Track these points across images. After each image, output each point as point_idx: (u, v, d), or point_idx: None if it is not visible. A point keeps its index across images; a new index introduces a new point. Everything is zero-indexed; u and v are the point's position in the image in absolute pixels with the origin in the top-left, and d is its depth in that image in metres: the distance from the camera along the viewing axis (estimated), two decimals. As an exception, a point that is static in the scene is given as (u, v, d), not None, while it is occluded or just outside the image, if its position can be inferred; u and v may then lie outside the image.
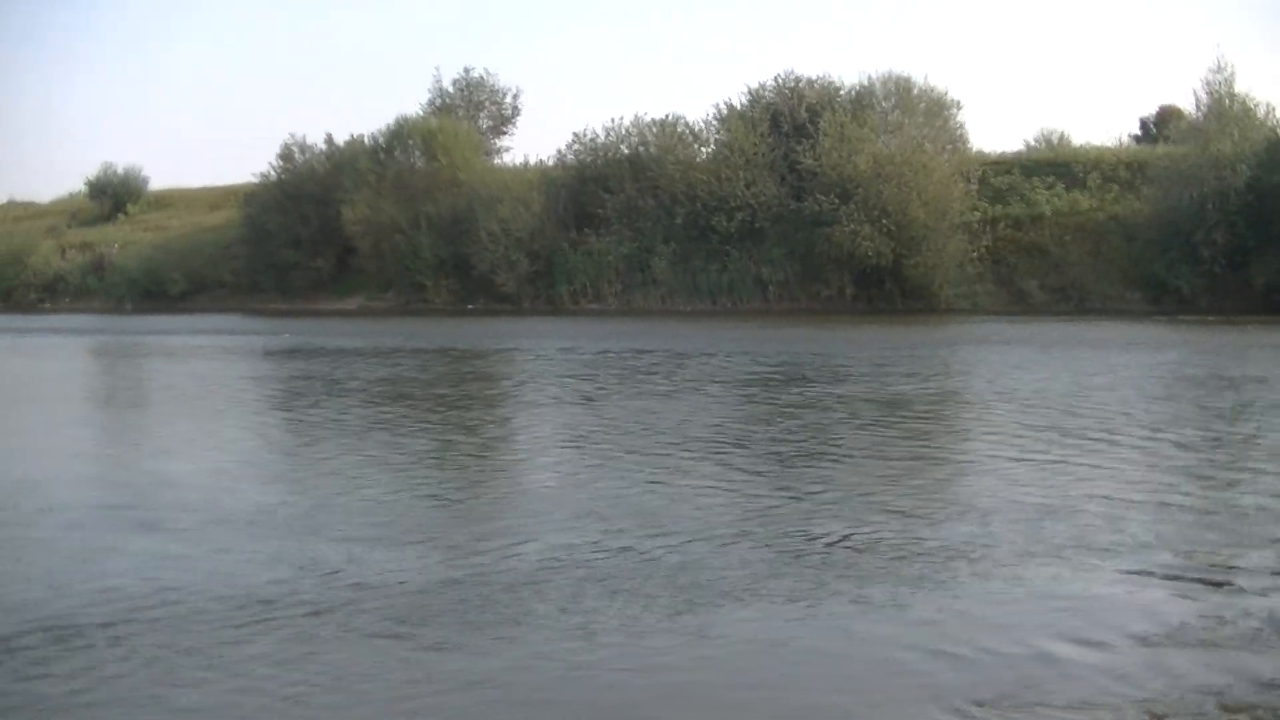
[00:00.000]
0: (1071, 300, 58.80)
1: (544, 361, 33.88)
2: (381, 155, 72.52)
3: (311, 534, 12.03)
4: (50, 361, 37.81)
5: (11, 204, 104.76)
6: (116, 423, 23.36)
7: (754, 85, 68.20)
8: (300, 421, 21.65)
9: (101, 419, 24.10)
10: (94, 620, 9.22)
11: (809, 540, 11.59)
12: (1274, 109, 60.68)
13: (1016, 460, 16.03)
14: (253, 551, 11.38)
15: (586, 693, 8.01)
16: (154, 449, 18.88)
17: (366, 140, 74.43)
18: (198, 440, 19.18)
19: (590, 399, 24.73)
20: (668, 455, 17.03)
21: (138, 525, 12.62)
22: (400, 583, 10.26)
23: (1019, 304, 58.94)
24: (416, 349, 38.61)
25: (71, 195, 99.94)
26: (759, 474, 15.62)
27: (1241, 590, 9.87)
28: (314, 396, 25.47)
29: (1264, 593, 9.79)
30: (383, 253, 69.34)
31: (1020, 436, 18.29)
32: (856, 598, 9.75)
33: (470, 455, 17.97)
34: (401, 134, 72.95)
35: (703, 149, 67.23)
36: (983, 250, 60.77)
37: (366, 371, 30.76)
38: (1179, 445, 17.59)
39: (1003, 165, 66.31)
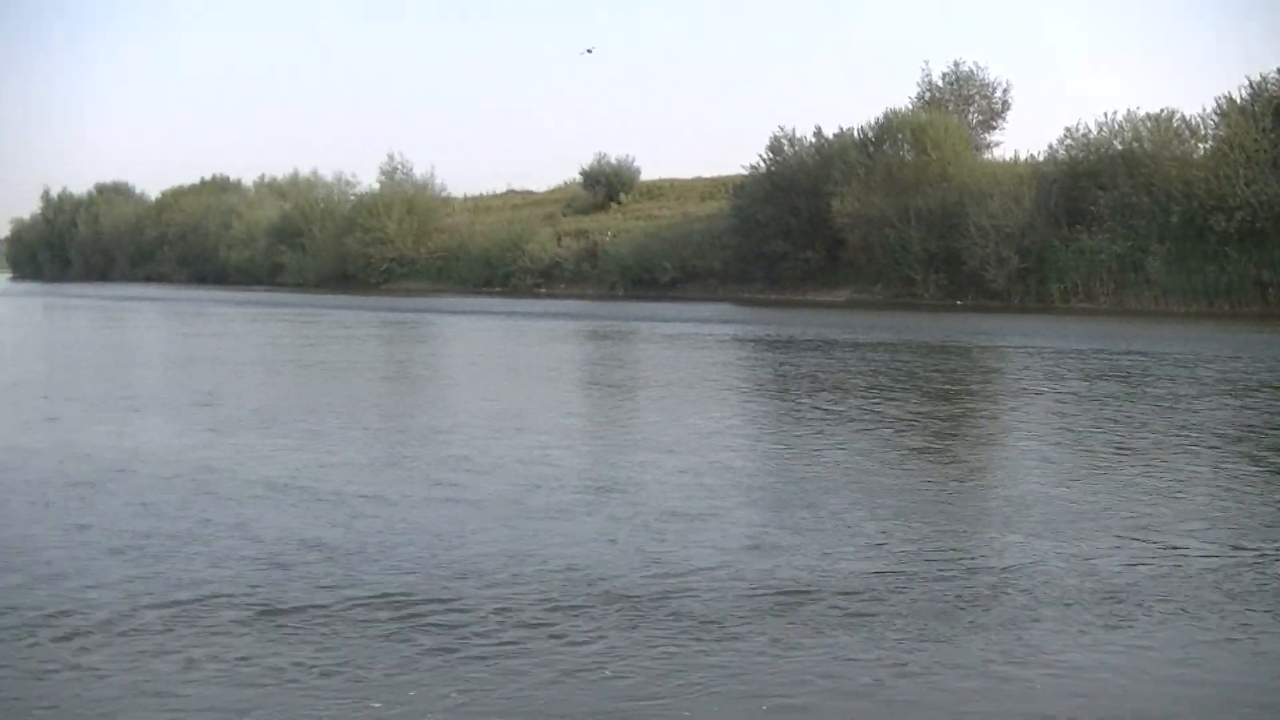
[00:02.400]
0: None
1: (1037, 359, 34.07)
2: (870, 148, 73.35)
3: (835, 518, 13.06)
4: (553, 346, 40.26)
5: (511, 192, 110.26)
6: (612, 405, 25.14)
7: (1255, 78, 66.60)
8: (794, 411, 22.80)
9: (596, 401, 25.93)
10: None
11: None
12: None
13: None
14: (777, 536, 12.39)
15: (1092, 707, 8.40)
16: (655, 433, 20.31)
17: (855, 133, 75.47)
18: (694, 425, 20.64)
19: (1085, 399, 24.89)
20: (1167, 460, 17.22)
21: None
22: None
23: None
24: (905, 342, 39.42)
25: (566, 184, 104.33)
26: (1238, 490, 15.38)
27: None
28: (805, 387, 26.63)
29: None
30: (872, 245, 70.13)
31: None
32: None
33: (965, 450, 18.70)
34: (890, 127, 73.65)
35: (1200, 145, 65.81)
36: None
37: (858, 364, 31.75)
38: None
39: None
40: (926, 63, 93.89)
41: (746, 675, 8.86)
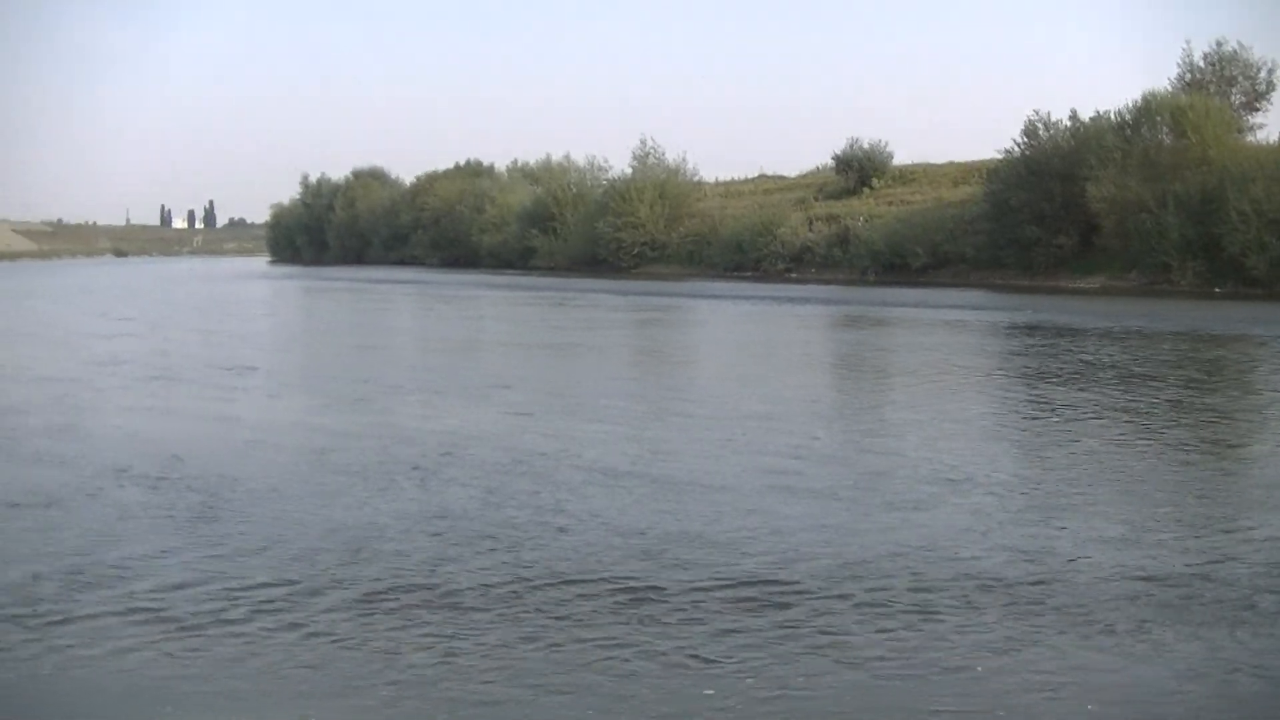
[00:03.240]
0: None
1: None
2: (1127, 131, 71.96)
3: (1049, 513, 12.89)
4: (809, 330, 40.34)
5: (762, 177, 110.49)
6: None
7: None
8: (1043, 399, 22.54)
9: (838, 387, 25.90)
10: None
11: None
12: None
13: None
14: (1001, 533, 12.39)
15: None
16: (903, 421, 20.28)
17: (1112, 116, 74.06)
18: (937, 412, 20.50)
19: None
20: None
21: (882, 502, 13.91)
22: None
23: None
24: (1159, 331, 38.68)
25: (818, 169, 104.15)
26: None
27: None
28: (1058, 375, 26.30)
29: None
30: (1127, 231, 68.69)
31: None
32: None
33: (1219, 444, 18.32)
34: (1149, 110, 72.09)
35: None
36: None
37: (1110, 352, 31.27)
38: None
39: None
40: (1188, 42, 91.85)
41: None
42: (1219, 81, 76.99)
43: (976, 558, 11.50)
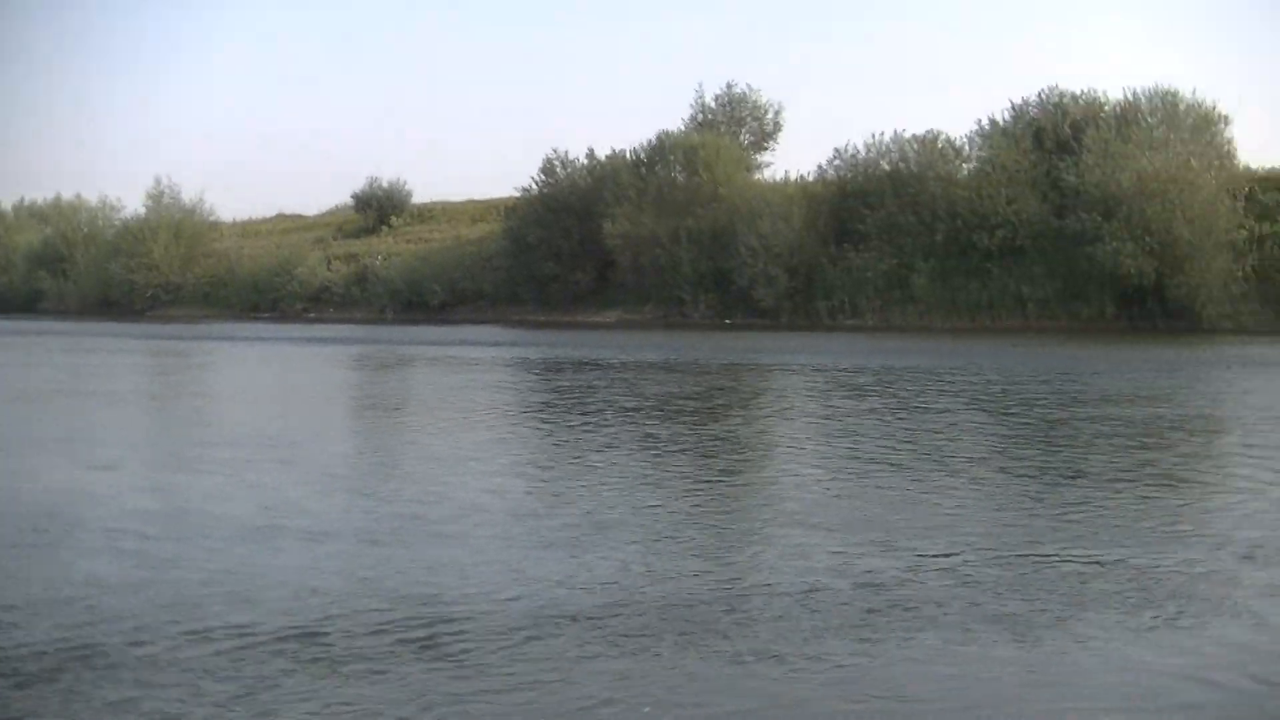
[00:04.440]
0: (1344, 321, 57.30)
1: (803, 377, 34.11)
2: (643, 170, 73.68)
3: (578, 545, 12.45)
4: (310, 370, 39.34)
5: (281, 216, 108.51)
6: (380, 429, 24.29)
7: (1017, 101, 68.25)
8: (558, 434, 22.14)
9: (365, 426, 25.03)
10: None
11: (1069, 564, 11.48)
12: None
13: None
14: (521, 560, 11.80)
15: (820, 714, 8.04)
16: (419, 457, 19.51)
17: (628, 155, 75.56)
18: (454, 450, 19.79)
19: (848, 415, 24.76)
20: (924, 473, 17.04)
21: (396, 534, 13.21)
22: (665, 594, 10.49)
23: (1288, 324, 57.55)
24: (675, 363, 39.08)
25: (337, 208, 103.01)
26: (1016, 495, 15.45)
27: None
28: (572, 409, 25.99)
29: None
30: (642, 266, 70.25)
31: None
32: (1115, 623, 9.64)
33: (720, 469, 18.18)
34: (663, 149, 74.00)
35: (964, 165, 67.42)
36: (1249, 269, 59.52)
37: (627, 385, 31.31)
38: None
39: (1272, 181, 64.79)
40: (700, 84, 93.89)
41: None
42: (730, 122, 79.33)
43: (493, 591, 10.86)
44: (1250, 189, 62.99)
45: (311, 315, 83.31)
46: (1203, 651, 8.97)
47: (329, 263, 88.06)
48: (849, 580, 10.85)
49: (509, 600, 10.17)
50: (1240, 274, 59.28)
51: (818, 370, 35.94)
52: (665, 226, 69.32)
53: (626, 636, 9.26)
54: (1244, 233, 60.41)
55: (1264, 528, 13.08)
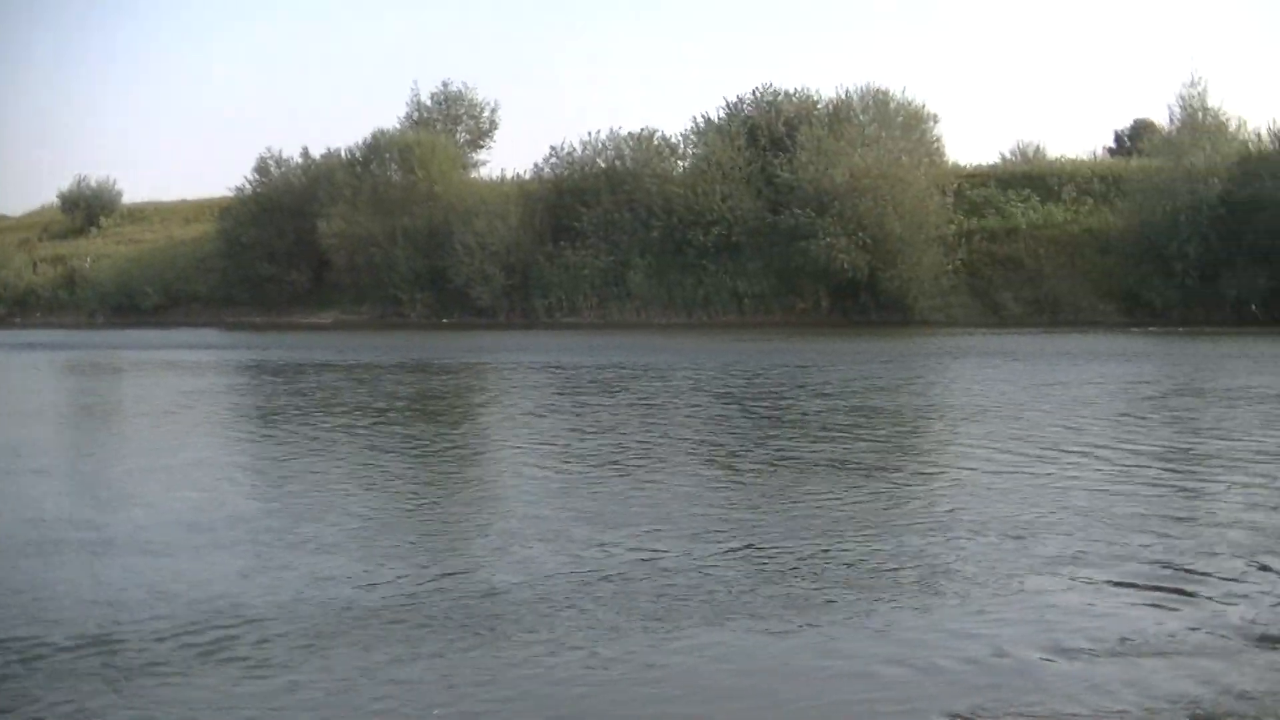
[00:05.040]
0: (1045, 313, 59.20)
1: (519, 375, 33.83)
2: (358, 169, 72.68)
3: (287, 547, 11.98)
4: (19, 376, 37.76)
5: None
6: (87, 437, 23.25)
7: (731, 99, 68.77)
8: (273, 436, 21.44)
9: (73, 433, 23.96)
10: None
11: (785, 555, 11.51)
12: (1246, 123, 61.60)
13: (994, 473, 16.03)
14: (225, 564, 11.36)
15: (541, 711, 7.91)
16: (124, 464, 18.74)
17: (343, 154, 74.47)
18: (167, 455, 19.01)
19: (565, 412, 24.63)
20: (643, 469, 16.94)
21: (105, 540, 12.53)
22: (373, 596, 10.22)
23: (994, 316, 59.47)
24: (392, 363, 38.38)
25: (43, 208, 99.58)
26: (735, 488, 15.54)
27: (1212, 600, 9.92)
28: (287, 411, 25.26)
29: (1234, 602, 9.85)
30: (358, 266, 69.39)
31: (996, 449, 18.26)
32: (833, 612, 9.69)
33: (445, 470, 17.82)
34: (378, 147, 73.12)
35: (680, 163, 67.91)
36: (958, 263, 61.24)
37: (342, 386, 30.60)
38: (1153, 456, 17.61)
39: (978, 178, 66.92)
40: (415, 82, 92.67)
41: None
42: (446, 120, 78.60)
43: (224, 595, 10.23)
44: (959, 185, 64.74)
45: (17, 320, 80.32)
46: (976, 632, 9.15)
47: (35, 265, 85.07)
48: (582, 573, 10.85)
49: (295, 602, 10.04)
50: (950, 268, 60.90)
51: (551, 369, 35.74)
52: (381, 226, 68.54)
53: (402, 638, 9.12)
54: (953, 227, 62.20)
55: (974, 510, 13.47)
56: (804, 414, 23.24)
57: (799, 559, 11.41)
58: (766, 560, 11.39)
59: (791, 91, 68.40)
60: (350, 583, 10.65)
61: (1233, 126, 61.12)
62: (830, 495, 14.63)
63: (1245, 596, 10.02)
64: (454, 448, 20.30)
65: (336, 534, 12.63)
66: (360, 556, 11.64)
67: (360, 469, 17.51)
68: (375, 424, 22.69)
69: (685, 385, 29.29)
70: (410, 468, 17.81)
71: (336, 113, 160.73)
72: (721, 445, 19.63)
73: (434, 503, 14.90)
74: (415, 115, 78.77)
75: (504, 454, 19.78)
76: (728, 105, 68.44)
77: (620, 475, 16.32)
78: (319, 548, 12.02)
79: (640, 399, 26.56)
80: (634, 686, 8.27)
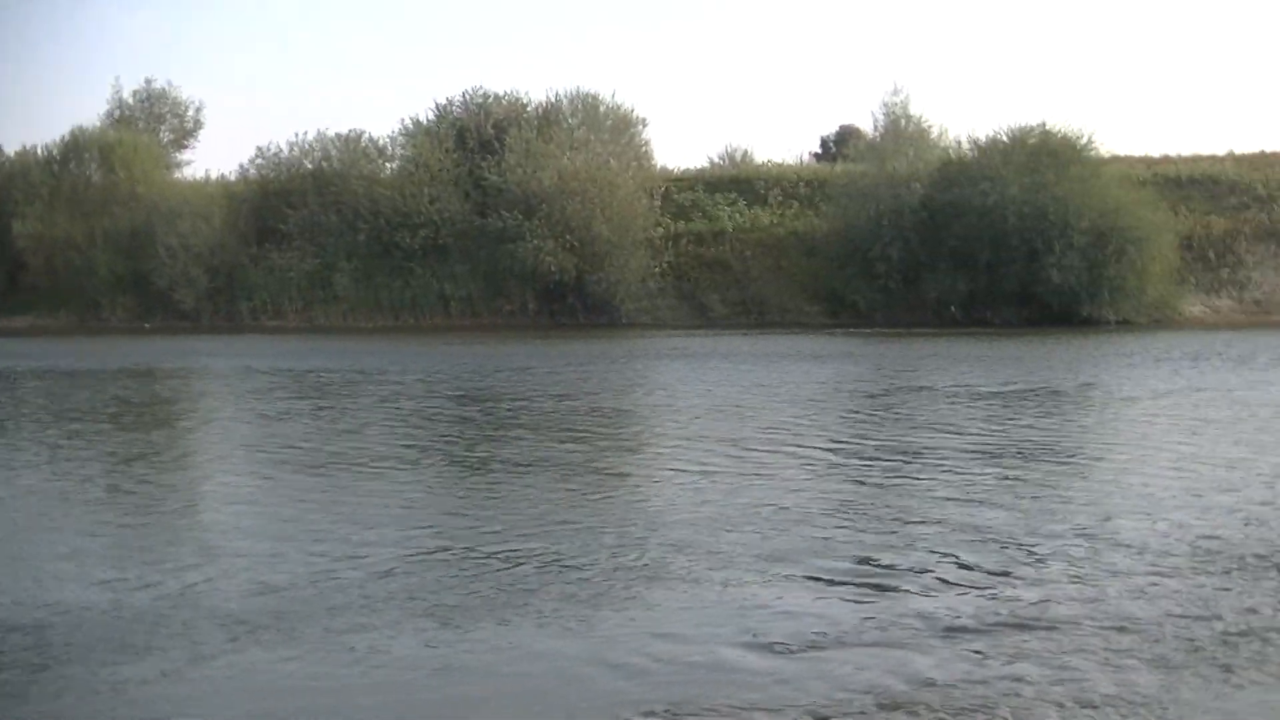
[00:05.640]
0: (752, 314, 60.22)
1: (222, 381, 33.19)
2: (55, 168, 70.02)
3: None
4: None
5: None
6: None
7: (441, 101, 68.37)
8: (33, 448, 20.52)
9: None
10: None
11: (487, 558, 11.46)
12: (947, 130, 63.48)
13: (698, 472, 16.16)
14: None
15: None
16: None
17: (39, 152, 71.71)
18: None
19: (268, 418, 24.14)
20: (348, 474, 16.77)
21: None
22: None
23: (700, 318, 60.24)
24: (90, 369, 37.20)
25: None
26: (439, 492, 15.56)
27: (904, 592, 10.17)
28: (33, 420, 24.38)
29: (924, 593, 10.11)
30: (56, 269, 66.86)
31: (701, 448, 18.49)
32: (533, 614, 9.68)
33: (144, 479, 17.22)
34: (77, 146, 70.55)
35: (388, 165, 67.26)
36: (665, 266, 61.91)
37: (35, 394, 29.60)
38: (853, 453, 18.04)
39: (686, 182, 67.75)
40: (118, 78, 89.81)
41: None
42: (149, 118, 76.53)
43: None
44: (667, 189, 65.37)
45: None
46: (618, 637, 9.16)
47: None
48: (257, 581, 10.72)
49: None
50: (657, 270, 61.46)
51: (239, 371, 35.25)
52: (80, 227, 66.18)
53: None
54: (661, 231, 62.79)
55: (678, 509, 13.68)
56: (511, 419, 23.20)
57: (503, 560, 11.39)
58: (468, 562, 11.35)
59: (501, 94, 68.29)
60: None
61: (934, 134, 63.11)
62: (536, 495, 14.70)
63: (936, 588, 10.27)
64: (148, 456, 19.59)
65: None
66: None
67: (42, 482, 16.84)
68: (66, 434, 21.86)
69: (390, 390, 28.88)
70: (100, 478, 17.26)
71: (32, 109, 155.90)
72: (427, 450, 19.40)
73: (119, 515, 14.39)
74: (116, 113, 76.34)
75: (200, 462, 19.48)
76: (437, 107, 68.09)
77: (322, 485, 16.02)
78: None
79: (343, 404, 26.23)
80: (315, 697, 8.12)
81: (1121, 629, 9.06)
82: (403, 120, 69.29)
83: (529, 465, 17.19)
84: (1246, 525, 12.54)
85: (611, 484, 15.85)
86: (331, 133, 67.67)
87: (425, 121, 67.25)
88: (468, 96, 68.07)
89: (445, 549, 11.83)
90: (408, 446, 19.58)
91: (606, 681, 8.25)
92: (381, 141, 68.00)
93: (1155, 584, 10.25)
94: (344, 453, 18.69)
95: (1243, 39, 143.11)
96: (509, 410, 24.49)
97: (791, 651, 8.69)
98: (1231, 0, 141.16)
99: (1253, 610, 9.49)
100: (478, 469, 17.18)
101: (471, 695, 8.13)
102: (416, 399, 26.92)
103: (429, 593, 10.24)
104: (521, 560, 11.33)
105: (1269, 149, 68.84)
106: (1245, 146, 70.61)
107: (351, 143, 66.93)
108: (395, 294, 62.45)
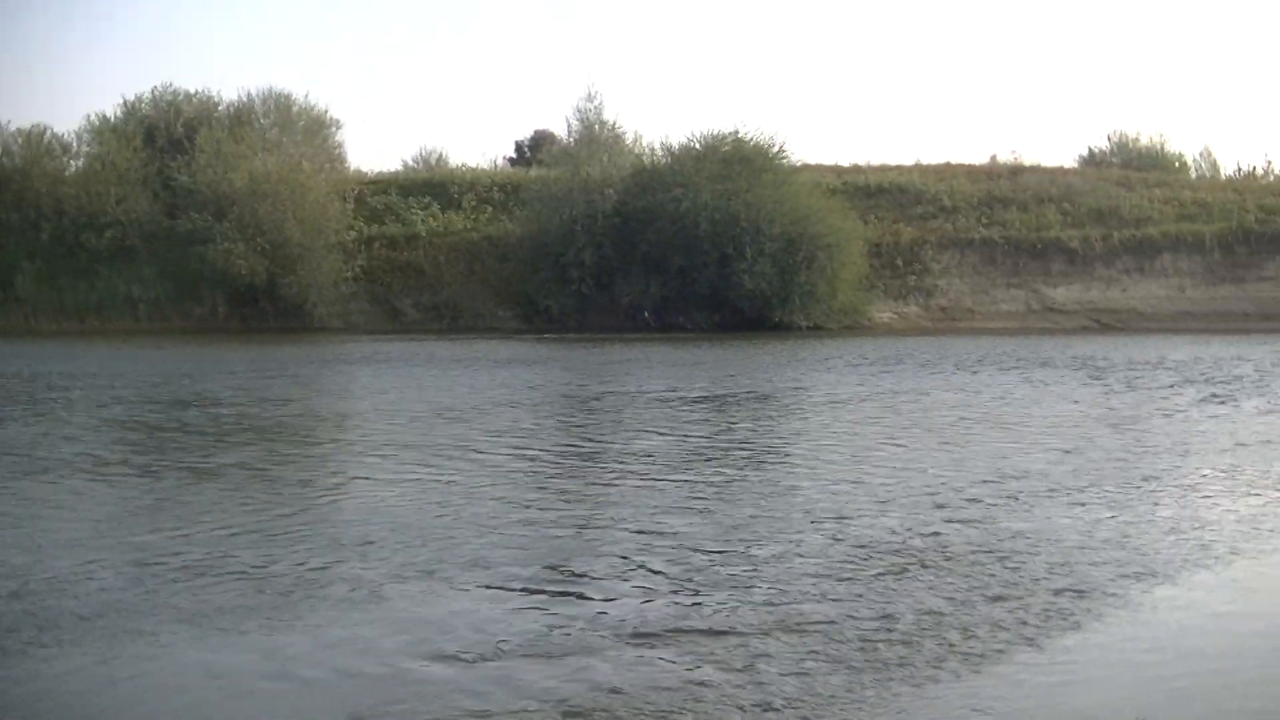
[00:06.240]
0: (445, 319, 60.21)
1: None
2: None
3: None
4: None
5: None
6: None
7: (130, 98, 66.79)
8: None
9: None
10: None
11: (177, 570, 11.14)
12: (641, 136, 64.26)
13: (390, 480, 16.04)
14: None
15: None
16: None
17: None
18: None
19: None
20: (29, 481, 16.25)
21: None
22: None
23: (393, 322, 60.11)
24: None
25: None
26: (124, 502, 15.05)
27: (591, 600, 10.19)
28: None
29: (610, 600, 10.16)
30: None
31: (393, 455, 18.40)
32: (217, 629, 9.44)
33: None
34: None
35: (73, 163, 65.36)
36: (358, 269, 61.50)
37: None
38: (544, 460, 18.09)
39: (380, 185, 67.38)
40: None
41: None
42: None
43: None
44: (360, 192, 64.92)
45: None
46: (298, 649, 9.03)
47: None
48: None
49: None
50: (350, 274, 61.03)
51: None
52: None
53: None
54: (354, 234, 62.29)
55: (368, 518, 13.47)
56: (200, 425, 22.63)
57: (177, 571, 11.07)
58: (143, 574, 10.98)
59: (192, 92, 67.08)
60: None
61: (629, 140, 63.85)
62: (216, 506, 14.35)
63: (622, 595, 10.33)
64: None
65: None
66: None
67: None
68: None
69: (65, 399, 27.73)
70: None
71: None
72: (107, 459, 18.75)
73: None
74: None
75: None
76: (125, 104, 66.49)
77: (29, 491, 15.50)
78: None
79: (24, 412, 25.14)
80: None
81: (805, 632, 9.26)
82: (89, 116, 67.46)
83: (210, 475, 16.81)
84: (941, 525, 12.92)
85: (301, 494, 15.62)
86: (13, 128, 65.57)
87: (113, 119, 65.62)
88: (157, 94, 66.75)
89: (109, 561, 11.52)
90: (87, 455, 18.80)
91: (286, 698, 8.14)
92: (66, 138, 66.03)
93: (839, 586, 10.51)
94: (50, 459, 18.04)
95: (928, 52, 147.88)
96: (194, 418, 23.84)
97: (473, 661, 8.67)
98: (914, 15, 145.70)
99: (927, 610, 9.79)
100: (164, 481, 16.53)
101: (144, 713, 7.95)
102: (94, 407, 25.97)
103: (110, 609, 9.90)
104: (200, 573, 11.06)
105: (954, 160, 71.77)
106: (931, 157, 72.75)
107: (34, 139, 64.77)
108: (80, 296, 60.68)
